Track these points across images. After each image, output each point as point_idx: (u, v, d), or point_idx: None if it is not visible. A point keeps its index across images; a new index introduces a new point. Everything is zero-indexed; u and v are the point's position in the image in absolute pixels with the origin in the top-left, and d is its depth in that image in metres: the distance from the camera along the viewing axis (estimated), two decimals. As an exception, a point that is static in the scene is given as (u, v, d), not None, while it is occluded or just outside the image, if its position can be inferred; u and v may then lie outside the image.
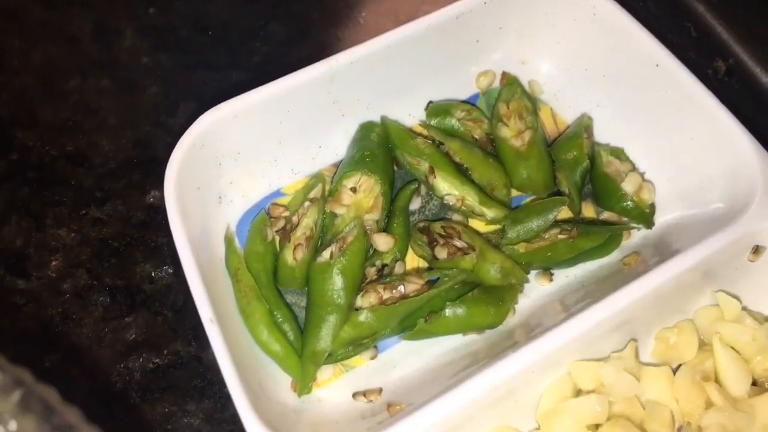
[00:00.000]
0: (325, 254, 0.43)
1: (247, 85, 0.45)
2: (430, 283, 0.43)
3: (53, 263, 0.47)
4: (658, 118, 0.48)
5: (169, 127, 0.52)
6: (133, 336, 0.45)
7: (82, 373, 0.44)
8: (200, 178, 0.45)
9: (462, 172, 0.48)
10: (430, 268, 0.46)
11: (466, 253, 0.44)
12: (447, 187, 0.47)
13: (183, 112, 0.53)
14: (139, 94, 0.54)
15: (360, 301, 0.43)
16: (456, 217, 0.48)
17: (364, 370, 0.43)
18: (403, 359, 0.44)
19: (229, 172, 0.47)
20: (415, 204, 0.49)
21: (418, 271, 0.46)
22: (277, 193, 0.49)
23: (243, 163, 0.47)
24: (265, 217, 0.46)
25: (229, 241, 0.45)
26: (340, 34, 0.57)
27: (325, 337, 0.42)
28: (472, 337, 0.44)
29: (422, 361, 0.43)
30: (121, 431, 0.42)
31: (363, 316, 0.42)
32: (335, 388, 0.43)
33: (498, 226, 0.47)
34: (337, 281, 0.42)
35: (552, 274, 0.46)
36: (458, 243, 0.45)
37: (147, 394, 0.43)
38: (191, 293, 0.39)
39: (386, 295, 0.43)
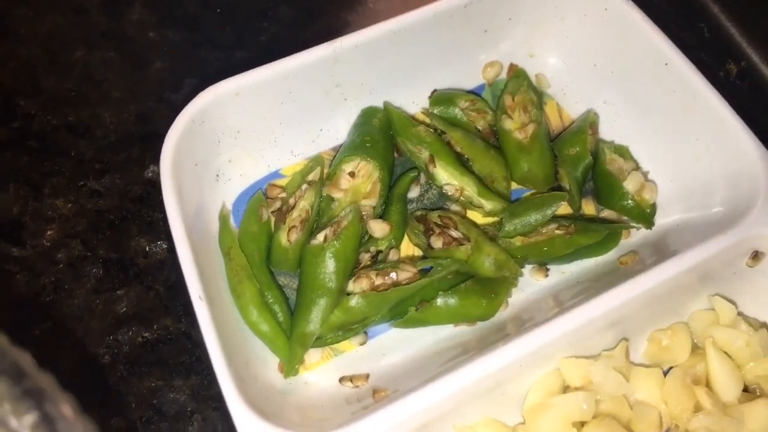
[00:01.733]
0: (319, 237, 0.43)
1: (252, 65, 0.45)
2: (424, 272, 0.43)
3: (48, 233, 0.47)
4: (665, 118, 0.48)
5: (172, 103, 0.52)
6: (124, 309, 0.45)
7: (71, 344, 0.44)
8: (198, 155, 0.44)
9: (462, 163, 0.47)
10: (424, 257, 0.45)
11: (462, 244, 0.43)
12: (446, 176, 0.47)
13: (186, 88, 0.52)
14: (143, 68, 0.54)
15: (352, 286, 0.42)
16: (454, 207, 0.48)
17: (353, 356, 0.43)
18: (393, 347, 0.43)
19: (228, 150, 0.47)
20: (414, 192, 0.48)
21: (412, 260, 0.45)
22: (276, 174, 0.48)
23: (242, 141, 0.47)
24: (261, 198, 0.46)
25: (224, 219, 0.45)
26: (349, 18, 0.57)
27: (314, 320, 0.41)
28: (462, 329, 0.44)
29: (411, 350, 0.43)
30: (107, 403, 0.42)
31: (354, 301, 0.41)
32: (323, 371, 0.42)
33: (496, 219, 0.47)
34: (330, 265, 0.42)
35: (548, 270, 0.46)
36: (454, 233, 0.44)
37: (134, 367, 0.43)
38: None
39: (378, 281, 0.42)
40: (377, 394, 0.39)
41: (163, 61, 0.54)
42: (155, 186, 0.49)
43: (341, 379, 0.42)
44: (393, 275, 0.43)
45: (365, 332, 0.44)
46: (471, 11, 0.48)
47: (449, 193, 0.47)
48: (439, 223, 0.45)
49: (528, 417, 0.39)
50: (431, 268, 0.44)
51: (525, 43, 0.53)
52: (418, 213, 0.47)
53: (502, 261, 0.43)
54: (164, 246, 0.47)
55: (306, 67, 0.46)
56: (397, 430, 0.36)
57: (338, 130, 0.49)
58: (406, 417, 0.36)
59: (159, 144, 0.42)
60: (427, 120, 0.49)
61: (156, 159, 0.48)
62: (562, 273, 0.46)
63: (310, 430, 0.36)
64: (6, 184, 0.48)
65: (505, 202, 0.46)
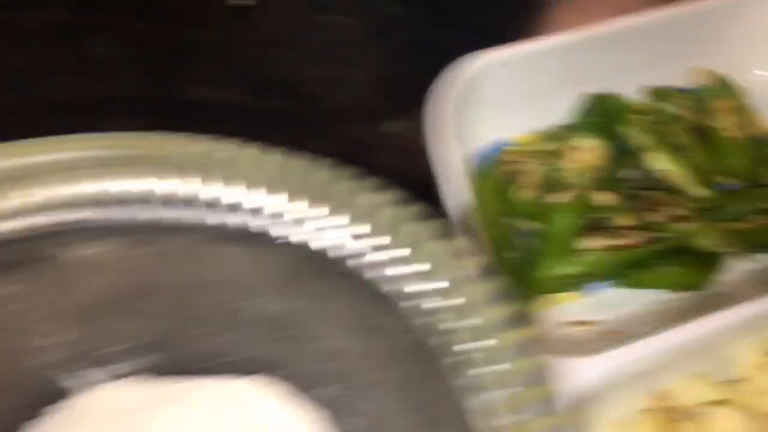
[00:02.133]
0: (554, 198, 0.49)
1: (482, 46, 0.51)
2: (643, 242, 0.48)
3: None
4: None
5: (410, 72, 0.58)
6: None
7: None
8: (451, 116, 0.51)
9: (675, 152, 0.52)
10: (643, 228, 0.51)
11: (681, 220, 0.48)
12: (660, 163, 0.52)
13: (426, 61, 0.58)
14: (385, 37, 0.61)
15: (580, 244, 0.48)
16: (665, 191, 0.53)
17: (575, 306, 0.48)
18: (610, 303, 0.49)
19: (472, 115, 0.52)
20: (629, 174, 0.53)
21: (632, 229, 0.50)
22: (509, 143, 0.54)
23: (486, 109, 0.53)
24: (498, 160, 0.52)
25: (472, 174, 0.51)
26: (565, 14, 0.63)
27: (546, 269, 0.47)
28: (675, 296, 0.49)
29: (627, 308, 0.48)
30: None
31: (581, 257, 0.47)
32: (548, 316, 0.48)
33: (702, 206, 0.52)
34: (562, 223, 0.48)
35: (754, 256, 0.50)
36: (671, 211, 0.50)
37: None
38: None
39: (604, 242, 0.48)
40: (615, 333, 0.44)
41: (404, 34, 0.61)
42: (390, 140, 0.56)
43: (567, 323, 0.47)
44: (617, 240, 0.48)
45: (586, 287, 0.49)
46: (698, 20, 0.54)
47: (661, 178, 0.52)
48: (657, 201, 0.50)
49: (749, 373, 0.43)
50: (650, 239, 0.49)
51: (737, 54, 0.57)
52: (635, 191, 0.52)
53: (720, 238, 0.48)
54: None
55: (548, 52, 0.52)
56: (628, 369, 0.41)
57: (566, 110, 0.55)
58: (635, 359, 0.41)
59: (395, 102, 0.50)
60: (645, 110, 0.55)
61: (392, 117, 0.55)
62: (764, 261, 0.51)
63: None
64: (269, 127, 0.56)
65: (712, 191, 0.51)
